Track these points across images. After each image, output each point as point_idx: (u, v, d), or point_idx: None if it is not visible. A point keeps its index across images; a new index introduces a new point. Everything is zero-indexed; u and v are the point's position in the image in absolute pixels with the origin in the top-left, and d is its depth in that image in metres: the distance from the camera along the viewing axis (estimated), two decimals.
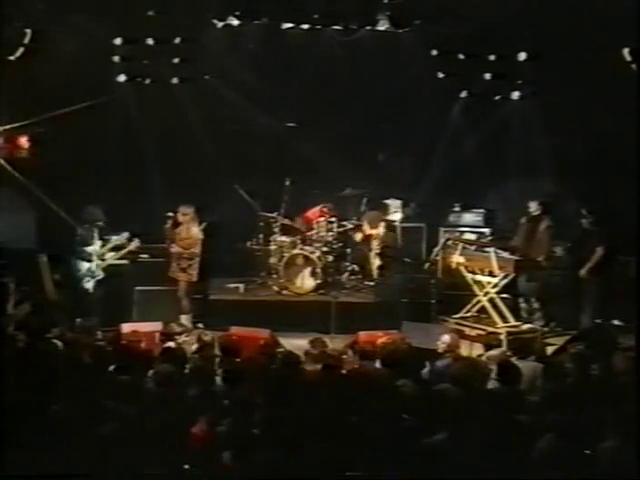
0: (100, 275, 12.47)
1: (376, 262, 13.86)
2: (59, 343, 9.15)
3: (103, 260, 12.47)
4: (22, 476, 6.07)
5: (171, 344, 9.70)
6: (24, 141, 13.23)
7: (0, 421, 6.39)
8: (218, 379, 7.95)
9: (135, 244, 12.56)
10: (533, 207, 12.86)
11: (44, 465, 6.04)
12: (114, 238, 12.51)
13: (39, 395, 7.08)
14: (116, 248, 12.53)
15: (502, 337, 11.40)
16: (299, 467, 6.21)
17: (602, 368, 8.15)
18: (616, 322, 11.42)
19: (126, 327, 11.00)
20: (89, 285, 12.45)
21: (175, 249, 12.84)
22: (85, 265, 12.43)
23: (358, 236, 13.99)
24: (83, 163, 13.54)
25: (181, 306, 12.81)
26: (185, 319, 12.68)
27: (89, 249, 12.44)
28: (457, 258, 12.34)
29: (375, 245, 13.87)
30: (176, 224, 12.98)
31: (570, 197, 13.55)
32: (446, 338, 9.62)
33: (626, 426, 6.49)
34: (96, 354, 8.58)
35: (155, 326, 11.18)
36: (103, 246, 12.49)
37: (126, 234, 12.57)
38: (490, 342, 11.40)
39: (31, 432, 6.34)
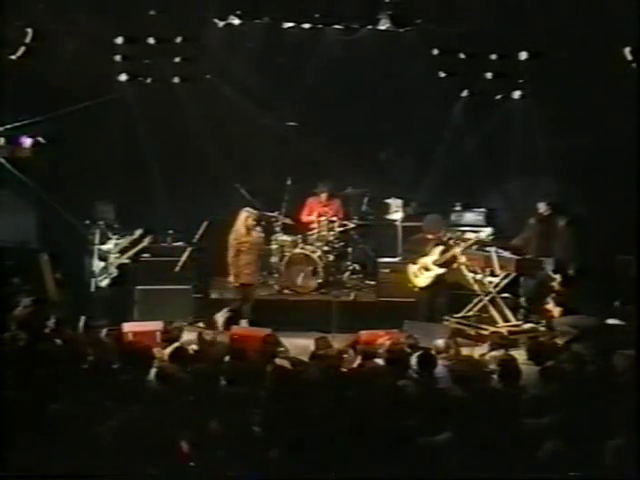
0: (115, 273, 12.52)
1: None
2: (60, 342, 9.19)
3: (117, 258, 12.53)
4: (22, 476, 6.08)
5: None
6: (25, 140, 13.23)
7: (0, 421, 6.40)
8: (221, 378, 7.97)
9: (148, 241, 12.61)
10: (542, 208, 12.87)
11: (44, 465, 6.05)
12: (131, 236, 12.58)
13: (40, 394, 7.09)
14: (129, 246, 12.59)
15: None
16: (299, 467, 6.22)
17: (602, 367, 8.16)
18: (616, 322, 11.41)
19: (127, 326, 11.03)
20: (103, 283, 12.50)
21: (244, 259, 12.49)
22: (100, 263, 12.48)
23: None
24: (84, 162, 13.55)
25: (241, 311, 12.56)
26: (245, 324, 12.44)
27: (105, 247, 12.50)
28: (459, 256, 12.36)
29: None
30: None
31: (571, 196, 13.56)
32: (439, 342, 9.66)
33: (626, 426, 6.49)
34: (98, 353, 8.60)
35: (156, 325, 11.18)
36: (117, 244, 12.56)
37: (139, 231, 12.61)
38: (495, 341, 11.47)
39: (31, 432, 6.35)
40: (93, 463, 6.11)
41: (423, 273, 12.55)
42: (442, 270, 12.46)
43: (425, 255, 12.58)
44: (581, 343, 10.09)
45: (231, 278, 12.51)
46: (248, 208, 12.67)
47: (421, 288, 12.62)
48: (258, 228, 12.71)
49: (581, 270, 12.19)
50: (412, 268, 12.69)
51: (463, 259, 12.27)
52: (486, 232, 12.40)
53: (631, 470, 6.17)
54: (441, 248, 12.52)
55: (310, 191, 14.12)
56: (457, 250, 12.37)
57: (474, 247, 12.40)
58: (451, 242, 12.51)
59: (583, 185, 13.37)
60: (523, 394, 7.56)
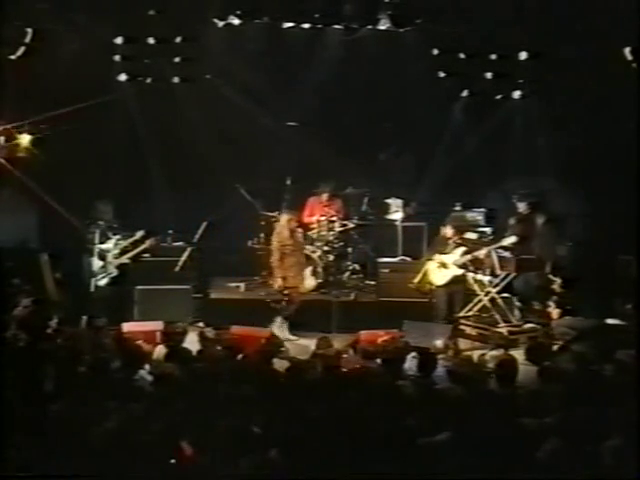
0: (114, 272, 12.51)
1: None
2: (60, 342, 9.20)
3: (117, 258, 12.52)
4: (22, 476, 6.08)
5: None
6: (25, 140, 13.22)
7: (0, 421, 6.40)
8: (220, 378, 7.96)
9: (150, 242, 12.59)
10: (522, 207, 12.87)
11: (44, 465, 6.05)
12: (132, 236, 12.57)
13: (40, 395, 7.09)
14: (130, 247, 12.58)
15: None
16: (299, 467, 6.21)
17: (602, 368, 8.16)
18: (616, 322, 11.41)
19: (127, 326, 11.03)
20: (102, 282, 12.49)
21: (290, 262, 12.47)
22: (98, 262, 12.47)
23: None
24: (84, 162, 13.54)
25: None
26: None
27: (104, 246, 12.49)
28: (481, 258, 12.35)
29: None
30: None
31: (571, 196, 13.57)
32: (438, 343, 9.68)
33: (626, 426, 6.50)
34: (98, 353, 8.60)
35: (156, 325, 11.17)
36: (117, 244, 12.54)
37: (141, 232, 12.60)
38: (496, 341, 11.48)
39: (31, 432, 6.35)
40: (93, 463, 6.11)
41: (441, 271, 12.58)
42: (461, 271, 12.48)
43: (444, 253, 12.60)
44: (580, 344, 10.09)
45: (278, 282, 12.49)
46: (288, 211, 12.77)
47: (438, 286, 12.62)
48: (300, 230, 12.74)
49: (580, 271, 12.26)
50: (430, 265, 12.69)
51: (486, 262, 12.25)
52: (510, 240, 12.33)
53: (631, 470, 6.17)
54: (463, 249, 12.52)
55: (310, 191, 14.11)
56: (481, 252, 12.37)
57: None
58: (472, 245, 12.54)
59: (583, 185, 13.38)
60: (523, 394, 7.56)
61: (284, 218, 12.56)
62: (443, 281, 12.55)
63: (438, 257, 12.56)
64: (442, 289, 12.54)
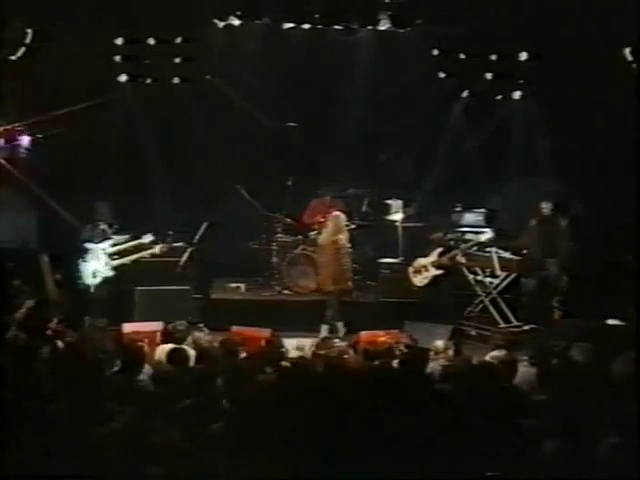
0: (114, 273, 12.50)
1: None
2: (60, 343, 9.19)
3: (118, 259, 12.51)
4: (22, 476, 6.08)
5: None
6: (25, 141, 13.23)
7: (0, 421, 6.39)
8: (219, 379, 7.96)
9: (161, 248, 12.57)
10: (546, 207, 12.80)
11: (44, 465, 6.04)
12: (142, 239, 12.55)
13: (40, 395, 7.09)
14: (133, 249, 12.56)
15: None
16: (300, 467, 6.21)
17: (602, 368, 8.15)
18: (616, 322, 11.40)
19: (127, 327, 11.02)
20: (102, 283, 12.48)
21: (346, 264, 12.48)
22: (92, 263, 12.46)
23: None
24: (84, 163, 13.55)
25: (333, 314, 12.49)
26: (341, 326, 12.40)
27: (99, 246, 12.48)
28: (459, 258, 12.37)
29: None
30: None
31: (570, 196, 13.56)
32: (438, 343, 9.69)
33: (626, 426, 6.49)
34: (99, 353, 8.60)
35: (156, 326, 11.16)
36: (117, 245, 12.52)
37: (149, 237, 12.57)
38: (496, 342, 11.46)
39: (31, 432, 6.35)
40: (93, 463, 6.11)
41: (421, 273, 12.61)
42: (439, 271, 12.52)
43: (425, 256, 12.64)
44: (580, 344, 10.08)
45: (338, 285, 12.48)
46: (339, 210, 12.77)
47: (419, 288, 12.72)
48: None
49: (586, 271, 12.24)
50: (411, 268, 12.82)
51: (462, 261, 12.32)
52: (487, 236, 12.38)
53: (631, 470, 6.16)
54: (440, 250, 12.56)
55: (311, 192, 14.12)
56: (456, 252, 12.42)
57: (474, 248, 12.42)
58: (451, 243, 12.60)
59: (583, 185, 13.37)
60: (522, 394, 7.56)
61: (342, 218, 12.52)
62: (423, 283, 12.65)
63: (417, 260, 12.64)
64: (428, 291, 12.64)
